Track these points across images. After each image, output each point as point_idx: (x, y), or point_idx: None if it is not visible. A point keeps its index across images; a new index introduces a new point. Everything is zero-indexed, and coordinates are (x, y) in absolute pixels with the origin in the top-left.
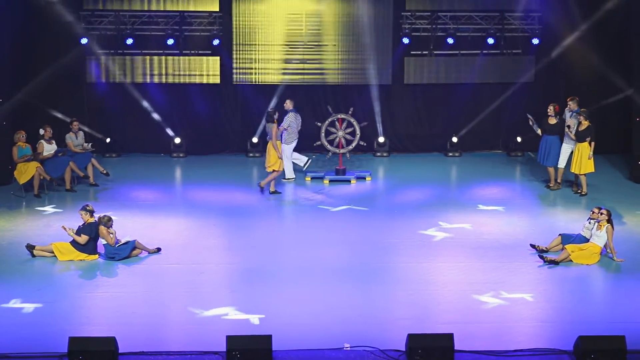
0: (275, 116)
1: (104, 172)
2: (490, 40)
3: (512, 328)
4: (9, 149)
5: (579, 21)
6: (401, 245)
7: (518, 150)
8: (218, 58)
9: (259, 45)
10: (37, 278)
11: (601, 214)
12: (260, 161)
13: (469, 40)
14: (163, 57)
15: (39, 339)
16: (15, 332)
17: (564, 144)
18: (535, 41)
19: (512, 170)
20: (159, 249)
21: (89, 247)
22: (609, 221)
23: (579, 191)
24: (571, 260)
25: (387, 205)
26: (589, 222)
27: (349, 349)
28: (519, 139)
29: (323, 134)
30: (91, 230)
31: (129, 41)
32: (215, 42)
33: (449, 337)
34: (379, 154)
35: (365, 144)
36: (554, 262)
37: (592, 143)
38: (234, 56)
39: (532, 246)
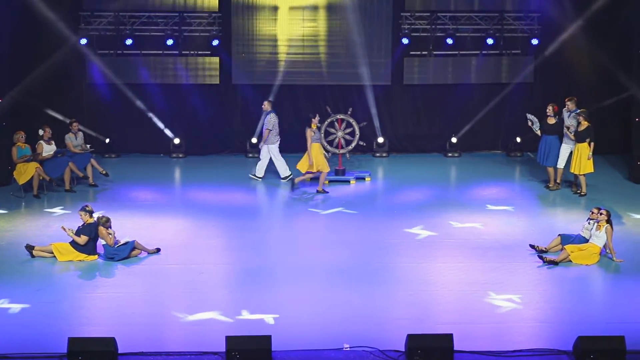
0: (316, 119)
1: (104, 172)
2: (490, 41)
3: (512, 328)
4: (9, 150)
5: (578, 21)
6: (401, 246)
7: (517, 151)
8: (217, 58)
9: (258, 45)
10: (36, 278)
11: (600, 214)
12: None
13: (468, 41)
14: (163, 58)
15: (39, 339)
16: (14, 333)
17: (563, 144)
18: (535, 41)
19: (512, 171)
20: (158, 250)
21: (89, 248)
22: (608, 221)
23: (579, 191)
24: (570, 261)
25: (387, 206)
26: (589, 223)
27: (348, 349)
28: (518, 140)
29: (322, 135)
30: (90, 231)
31: (129, 41)
32: (215, 42)
33: (449, 337)
34: (378, 154)
35: (364, 144)
36: (554, 263)
37: (592, 143)
38: (233, 56)
39: (532, 246)
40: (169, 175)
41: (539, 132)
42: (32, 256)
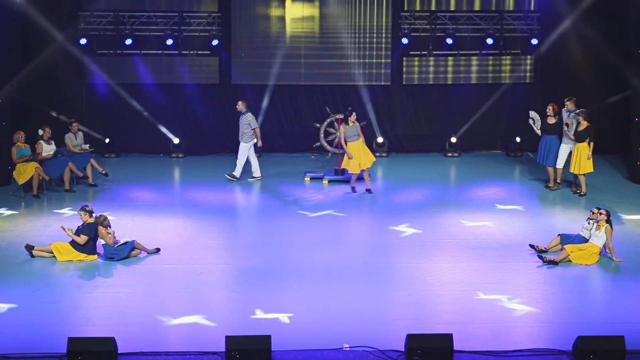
0: (352, 117)
1: (103, 172)
2: (489, 41)
3: (511, 328)
4: (8, 150)
5: (577, 21)
6: (400, 246)
7: (517, 151)
8: (217, 58)
9: (258, 45)
10: (36, 278)
11: (600, 214)
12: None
13: (467, 41)
14: (162, 58)
15: (38, 339)
16: (14, 333)
17: (562, 144)
18: (534, 41)
19: (512, 171)
20: (158, 249)
21: (88, 248)
22: (608, 221)
23: (578, 191)
24: (570, 261)
25: (386, 206)
26: (588, 222)
27: (348, 349)
28: (518, 139)
29: (322, 135)
30: (90, 231)
31: (128, 41)
32: (214, 42)
33: (448, 337)
34: (377, 154)
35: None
36: (553, 263)
37: (592, 143)
38: (233, 56)
39: (531, 246)
40: (168, 175)
41: (539, 132)
42: (32, 256)
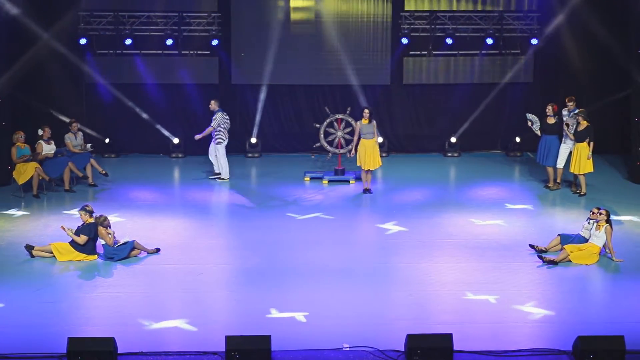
0: (367, 113)
1: (103, 172)
2: (489, 41)
3: (511, 328)
4: (8, 150)
5: (577, 21)
6: (400, 246)
7: (517, 150)
8: (217, 58)
9: (257, 45)
10: (36, 278)
11: (600, 214)
12: (260, 161)
13: (467, 41)
14: (162, 58)
15: (38, 339)
16: (14, 333)
17: (562, 144)
18: (534, 41)
19: (511, 171)
20: (158, 250)
21: (88, 248)
22: (608, 221)
23: (578, 191)
24: (570, 261)
25: (385, 206)
26: (588, 222)
27: (348, 349)
28: (517, 139)
29: (322, 135)
30: (90, 231)
31: (128, 41)
32: (214, 42)
33: (448, 337)
34: None
35: None
36: (553, 262)
37: (591, 143)
38: (233, 56)
39: (531, 246)
40: (168, 175)
41: (538, 132)
42: (32, 256)
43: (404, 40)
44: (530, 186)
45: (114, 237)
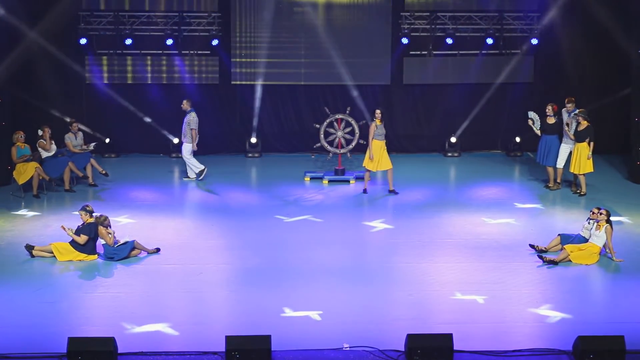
0: (378, 114)
1: (103, 172)
2: (489, 41)
3: (511, 328)
4: (8, 150)
5: (577, 21)
6: (400, 246)
7: (517, 151)
8: (217, 58)
9: (257, 45)
10: (36, 278)
11: (600, 214)
12: (260, 161)
13: (468, 41)
14: (162, 57)
15: (39, 339)
16: (14, 332)
17: (562, 144)
18: (534, 41)
19: (511, 170)
20: (158, 249)
21: (88, 247)
22: (608, 221)
23: (578, 191)
24: (570, 261)
25: (385, 206)
26: (588, 222)
27: (348, 349)
28: (517, 139)
29: (322, 136)
30: (90, 231)
31: (128, 41)
32: (214, 42)
33: (448, 337)
34: None
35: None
36: (553, 262)
37: (592, 143)
38: (233, 56)
39: (531, 246)
40: (168, 175)
41: (538, 132)
42: (32, 256)
43: (404, 40)
44: (530, 186)
45: (114, 237)
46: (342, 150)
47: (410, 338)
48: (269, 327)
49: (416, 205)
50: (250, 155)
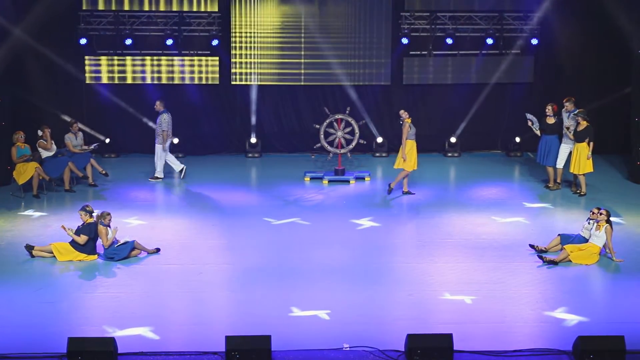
0: (405, 114)
1: (103, 172)
2: (489, 41)
3: (511, 328)
4: (8, 150)
5: (577, 21)
6: (401, 246)
7: (517, 151)
8: (217, 58)
9: (257, 45)
10: (36, 278)
11: (600, 214)
12: (260, 161)
13: (468, 41)
14: (162, 58)
15: (39, 339)
16: (14, 332)
17: (562, 144)
18: (534, 41)
19: (511, 171)
20: (158, 250)
21: (88, 247)
22: (608, 221)
23: (578, 191)
24: (570, 261)
25: (385, 205)
26: (588, 222)
27: (348, 349)
28: (517, 139)
29: (322, 136)
30: (90, 231)
31: (128, 41)
32: (214, 42)
33: (448, 337)
34: (377, 154)
35: (365, 142)
36: (553, 262)
37: (591, 143)
38: (233, 57)
39: (531, 246)
40: (168, 175)
41: (538, 132)
42: (32, 256)
43: (404, 40)
44: (530, 186)
45: (115, 237)
46: (342, 151)
47: (410, 338)
48: (269, 327)
49: (416, 205)
50: (250, 155)
